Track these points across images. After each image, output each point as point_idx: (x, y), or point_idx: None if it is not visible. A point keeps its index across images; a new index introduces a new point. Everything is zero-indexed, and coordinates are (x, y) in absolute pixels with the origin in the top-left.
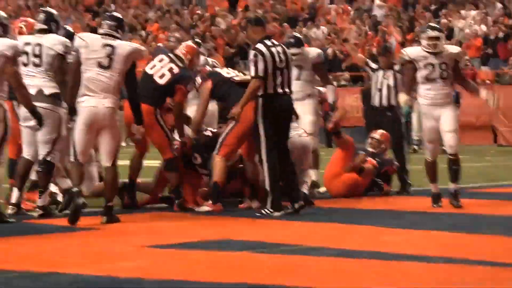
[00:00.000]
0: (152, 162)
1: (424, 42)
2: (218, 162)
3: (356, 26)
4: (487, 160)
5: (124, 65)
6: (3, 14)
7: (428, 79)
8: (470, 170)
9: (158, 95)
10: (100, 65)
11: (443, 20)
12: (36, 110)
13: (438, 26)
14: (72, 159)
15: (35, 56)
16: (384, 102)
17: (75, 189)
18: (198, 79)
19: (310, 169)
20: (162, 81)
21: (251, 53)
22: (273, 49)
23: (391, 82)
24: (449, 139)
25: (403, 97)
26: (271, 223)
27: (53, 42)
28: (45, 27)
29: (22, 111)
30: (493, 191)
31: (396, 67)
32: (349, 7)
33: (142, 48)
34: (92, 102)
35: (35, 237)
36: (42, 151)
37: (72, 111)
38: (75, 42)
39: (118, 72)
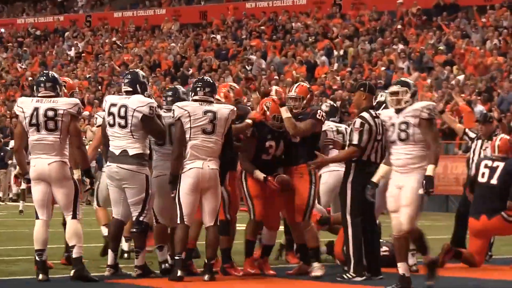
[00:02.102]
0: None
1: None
2: (312, 227)
3: (435, 94)
4: None
5: (224, 128)
6: (56, 75)
7: (390, 141)
8: None
9: None
10: (205, 132)
11: None
12: (91, 172)
13: (404, 80)
14: (178, 221)
15: (121, 117)
16: None
17: (178, 257)
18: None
19: None
20: None
21: (357, 121)
22: (376, 120)
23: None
24: (400, 215)
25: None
26: None
27: (138, 104)
28: (130, 89)
29: (108, 170)
30: None
31: None
32: (426, 75)
33: (235, 108)
34: (199, 164)
35: None
36: (135, 212)
37: (174, 180)
38: (176, 112)
39: (221, 136)
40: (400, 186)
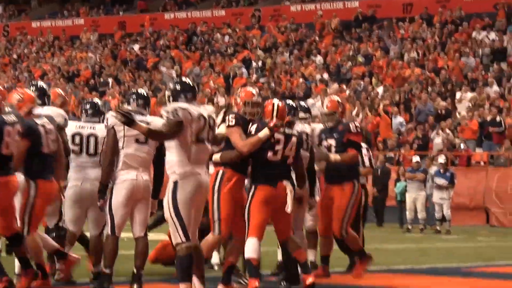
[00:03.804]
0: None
1: None
2: None
3: (353, 105)
4: (480, 240)
5: None
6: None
7: None
8: (464, 250)
9: None
10: (138, 141)
11: (442, 103)
12: None
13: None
14: (109, 232)
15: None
16: None
17: (108, 271)
18: None
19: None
20: None
21: None
22: None
23: None
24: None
25: None
26: None
27: (52, 114)
28: (39, 101)
29: None
30: (487, 270)
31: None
32: (344, 86)
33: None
34: (133, 175)
35: None
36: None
37: (104, 189)
38: (109, 120)
39: (154, 147)
40: None
